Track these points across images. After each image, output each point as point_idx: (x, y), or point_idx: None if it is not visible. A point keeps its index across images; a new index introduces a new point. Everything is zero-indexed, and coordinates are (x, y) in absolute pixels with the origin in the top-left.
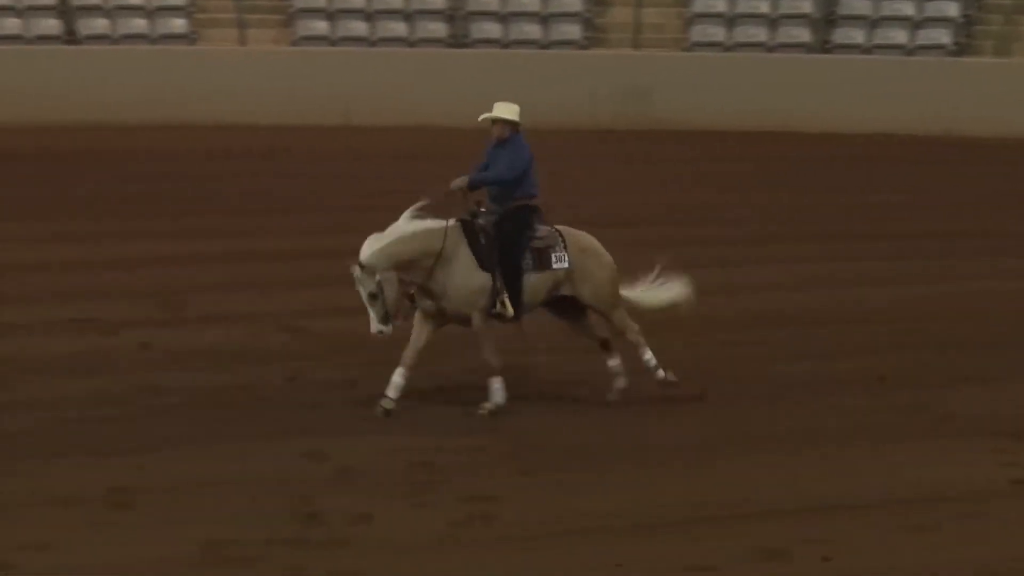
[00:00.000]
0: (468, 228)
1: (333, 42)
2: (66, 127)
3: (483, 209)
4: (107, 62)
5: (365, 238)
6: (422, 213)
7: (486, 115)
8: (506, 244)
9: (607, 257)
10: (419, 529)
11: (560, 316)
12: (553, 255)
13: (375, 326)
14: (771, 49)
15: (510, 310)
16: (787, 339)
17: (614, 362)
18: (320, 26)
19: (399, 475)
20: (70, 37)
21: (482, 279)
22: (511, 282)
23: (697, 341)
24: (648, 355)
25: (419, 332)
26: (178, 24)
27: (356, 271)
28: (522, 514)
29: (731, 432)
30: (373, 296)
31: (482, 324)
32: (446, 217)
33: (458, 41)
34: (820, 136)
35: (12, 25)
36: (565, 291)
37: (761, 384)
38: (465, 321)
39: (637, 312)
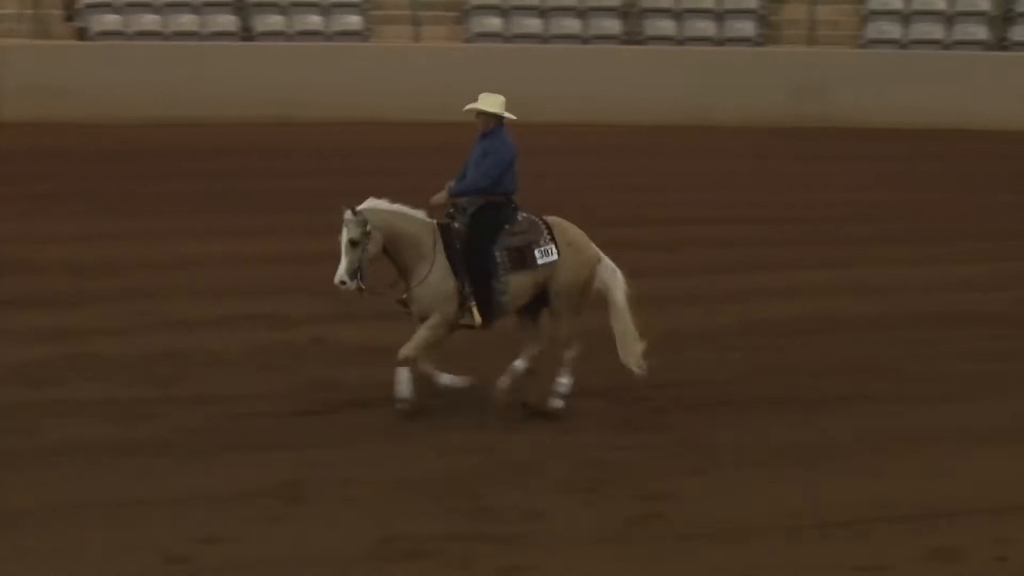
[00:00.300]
0: (446, 232)
1: (507, 39)
2: (242, 123)
3: (452, 210)
4: (282, 59)
5: None
6: None
7: (470, 105)
8: (474, 246)
9: (591, 255)
10: (591, 526)
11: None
12: (537, 250)
13: (340, 274)
14: (947, 46)
15: (477, 319)
16: (964, 338)
17: (521, 364)
18: (494, 23)
19: (570, 472)
20: (246, 33)
21: (452, 286)
22: (479, 288)
23: (876, 339)
24: (567, 381)
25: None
26: (353, 21)
27: (348, 213)
28: (694, 513)
29: (905, 431)
30: (353, 243)
31: (437, 323)
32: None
33: (632, 38)
34: (996, 134)
35: (188, 22)
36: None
37: (938, 383)
38: (424, 319)
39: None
